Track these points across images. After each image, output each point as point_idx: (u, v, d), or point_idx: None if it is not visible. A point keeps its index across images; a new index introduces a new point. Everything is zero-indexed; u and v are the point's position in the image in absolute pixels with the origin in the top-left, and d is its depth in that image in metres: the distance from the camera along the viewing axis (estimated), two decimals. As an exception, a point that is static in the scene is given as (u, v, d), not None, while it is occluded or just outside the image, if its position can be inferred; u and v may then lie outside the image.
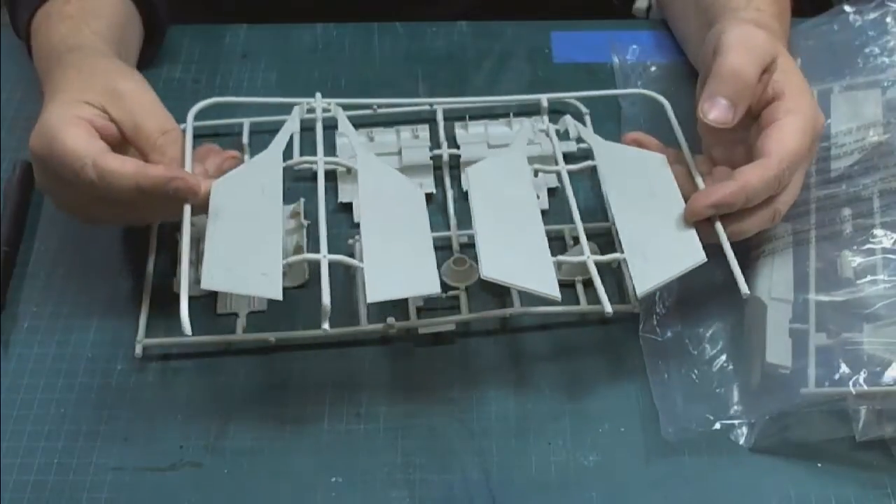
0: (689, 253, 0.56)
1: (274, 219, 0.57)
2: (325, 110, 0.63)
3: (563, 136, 0.64)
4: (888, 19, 0.70)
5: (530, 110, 0.72)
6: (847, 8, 0.71)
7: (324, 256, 0.55)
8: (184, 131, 0.60)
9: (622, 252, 0.57)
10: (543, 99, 0.66)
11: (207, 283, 0.53)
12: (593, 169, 0.69)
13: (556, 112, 0.70)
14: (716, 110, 0.57)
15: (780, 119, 0.57)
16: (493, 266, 0.54)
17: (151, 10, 0.74)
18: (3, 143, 0.72)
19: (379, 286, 0.54)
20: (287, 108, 0.64)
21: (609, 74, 0.76)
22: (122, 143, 0.58)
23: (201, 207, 0.57)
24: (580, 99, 0.72)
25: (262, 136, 0.71)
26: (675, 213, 0.57)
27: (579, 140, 0.69)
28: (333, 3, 0.83)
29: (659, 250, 0.56)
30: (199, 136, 0.64)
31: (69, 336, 0.61)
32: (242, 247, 0.55)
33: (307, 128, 0.64)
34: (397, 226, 0.57)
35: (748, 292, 0.54)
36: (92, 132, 0.56)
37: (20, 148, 0.70)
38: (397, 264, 0.55)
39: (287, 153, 0.61)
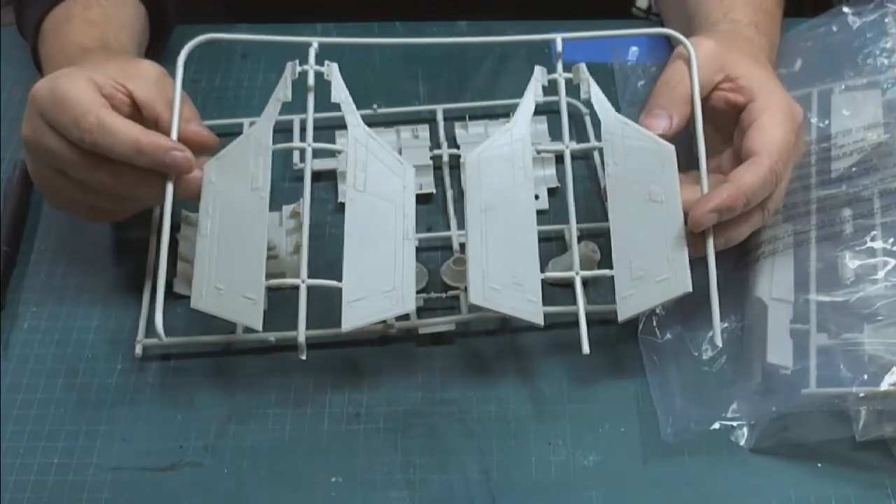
0: (675, 279, 0.56)
1: (260, 227, 0.56)
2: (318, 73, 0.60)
3: (574, 90, 0.63)
4: (887, 20, 0.69)
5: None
6: (846, 9, 0.71)
7: (303, 281, 0.56)
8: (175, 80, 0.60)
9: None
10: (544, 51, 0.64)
11: (196, 304, 0.56)
12: (594, 169, 0.69)
13: (554, 112, 0.70)
14: (651, 119, 0.59)
15: (757, 118, 0.58)
16: (482, 293, 0.55)
17: (161, 13, 0.74)
18: (3, 143, 0.72)
19: (352, 314, 0.55)
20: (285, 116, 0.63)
21: (609, 74, 0.76)
22: (131, 115, 0.58)
23: (185, 192, 0.57)
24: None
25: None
26: (671, 225, 0.57)
27: (579, 140, 0.69)
28: (334, 2, 0.83)
29: (648, 269, 0.57)
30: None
31: (69, 336, 0.61)
32: (230, 263, 0.56)
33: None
34: (381, 225, 0.57)
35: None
36: (99, 93, 0.57)
37: (20, 148, 0.70)
38: (376, 278, 0.56)
39: (287, 138, 0.60)
